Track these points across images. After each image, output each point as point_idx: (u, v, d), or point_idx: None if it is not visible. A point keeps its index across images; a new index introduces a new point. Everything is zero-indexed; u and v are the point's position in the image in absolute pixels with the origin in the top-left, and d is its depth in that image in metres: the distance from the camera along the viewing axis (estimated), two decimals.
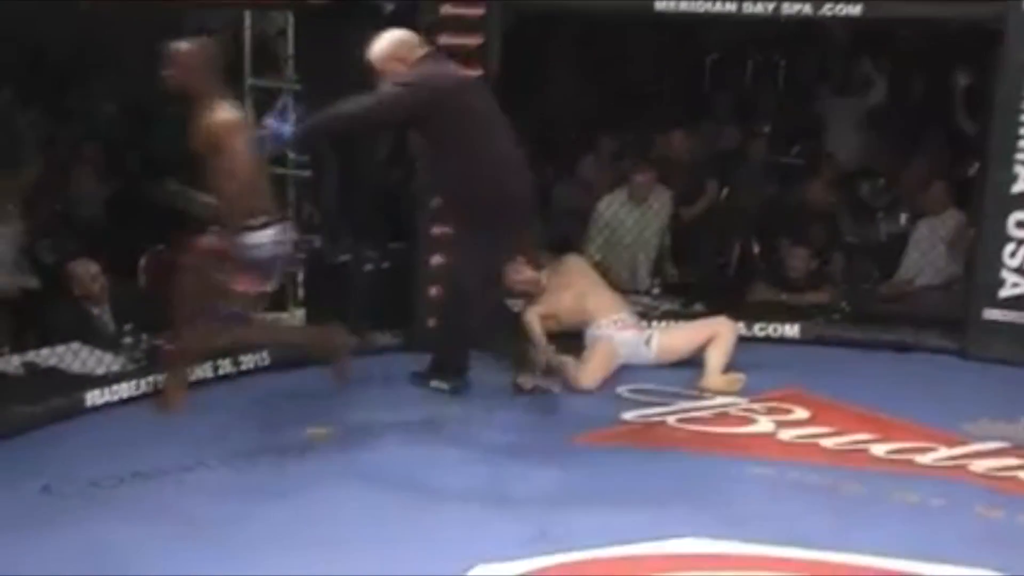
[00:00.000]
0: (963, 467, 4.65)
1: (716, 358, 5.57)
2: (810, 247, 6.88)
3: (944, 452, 4.77)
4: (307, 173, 6.55)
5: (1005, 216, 5.91)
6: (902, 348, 6.17)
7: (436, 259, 5.72)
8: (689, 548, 3.89)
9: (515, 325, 5.76)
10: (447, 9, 5.78)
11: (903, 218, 7.30)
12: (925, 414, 5.13)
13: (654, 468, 4.59)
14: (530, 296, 5.84)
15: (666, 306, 6.49)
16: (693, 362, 5.66)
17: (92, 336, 5.42)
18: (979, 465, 4.66)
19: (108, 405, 4.98)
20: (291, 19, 6.64)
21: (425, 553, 3.80)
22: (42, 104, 7.30)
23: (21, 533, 3.87)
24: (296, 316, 6.33)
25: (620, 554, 3.83)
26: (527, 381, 5.39)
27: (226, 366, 5.39)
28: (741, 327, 5.99)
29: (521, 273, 5.89)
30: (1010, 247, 5.92)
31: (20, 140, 6.77)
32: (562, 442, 4.82)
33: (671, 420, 5.12)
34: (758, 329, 6.24)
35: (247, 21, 6.73)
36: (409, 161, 5.91)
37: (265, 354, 5.50)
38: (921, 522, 4.15)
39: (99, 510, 4.07)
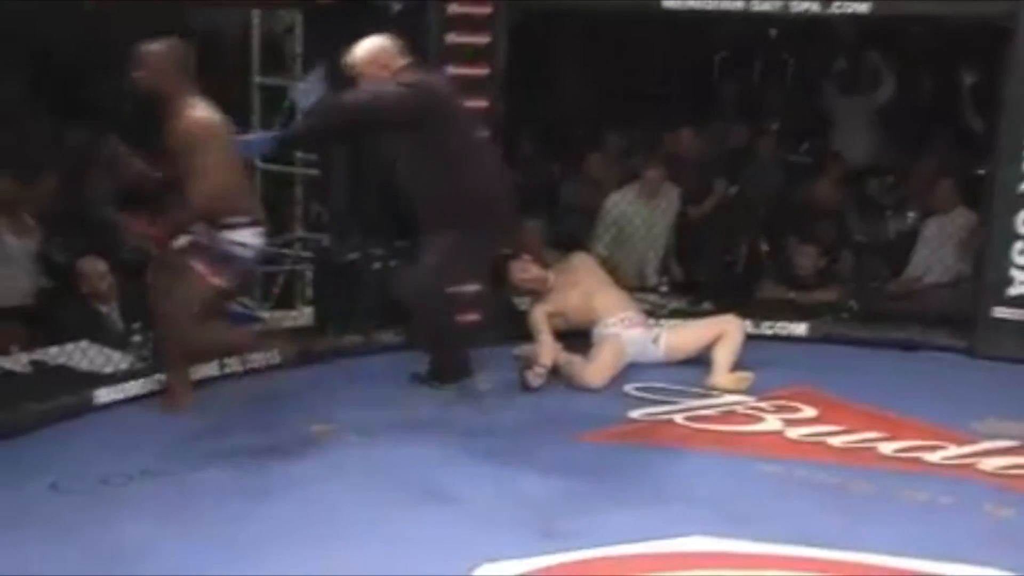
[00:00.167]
0: (972, 465, 4.64)
1: (724, 356, 5.57)
2: (818, 245, 6.88)
3: (953, 450, 4.76)
4: (315, 172, 6.56)
5: (1013, 214, 5.90)
6: (910, 346, 6.16)
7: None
8: (696, 547, 3.88)
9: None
10: (454, 8, 5.79)
11: (911, 216, 7.29)
12: (934, 412, 5.12)
13: (661, 466, 4.59)
14: (537, 294, 5.84)
15: (674, 304, 6.50)
16: (700, 360, 5.66)
17: (100, 334, 5.43)
18: (988, 463, 4.65)
19: (116, 403, 4.99)
20: (299, 18, 6.65)
21: (430, 552, 3.80)
22: (51, 103, 7.30)
23: (29, 531, 3.88)
24: (304, 314, 6.35)
25: (627, 552, 3.82)
26: (534, 378, 5.40)
27: (233, 364, 5.40)
28: (749, 325, 5.99)
29: (528, 271, 5.89)
30: (1019, 245, 5.92)
31: (31, 143, 6.77)
32: (569, 440, 4.82)
33: (678, 418, 5.12)
34: (766, 327, 6.24)
35: (255, 20, 6.74)
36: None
37: (274, 352, 5.51)
38: (930, 521, 4.14)
39: (107, 508, 4.07)
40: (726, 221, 7.31)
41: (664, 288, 6.72)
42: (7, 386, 4.96)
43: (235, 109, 6.52)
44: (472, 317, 5.90)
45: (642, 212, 6.92)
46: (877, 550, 3.84)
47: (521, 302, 6.04)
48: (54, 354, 5.26)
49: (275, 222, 6.82)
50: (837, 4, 5.94)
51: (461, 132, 5.01)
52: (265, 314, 6.43)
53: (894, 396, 5.31)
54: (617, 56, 8.45)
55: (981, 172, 6.67)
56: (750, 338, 5.85)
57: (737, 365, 5.56)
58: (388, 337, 5.89)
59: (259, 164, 6.59)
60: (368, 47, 4.90)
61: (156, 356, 5.22)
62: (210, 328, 4.85)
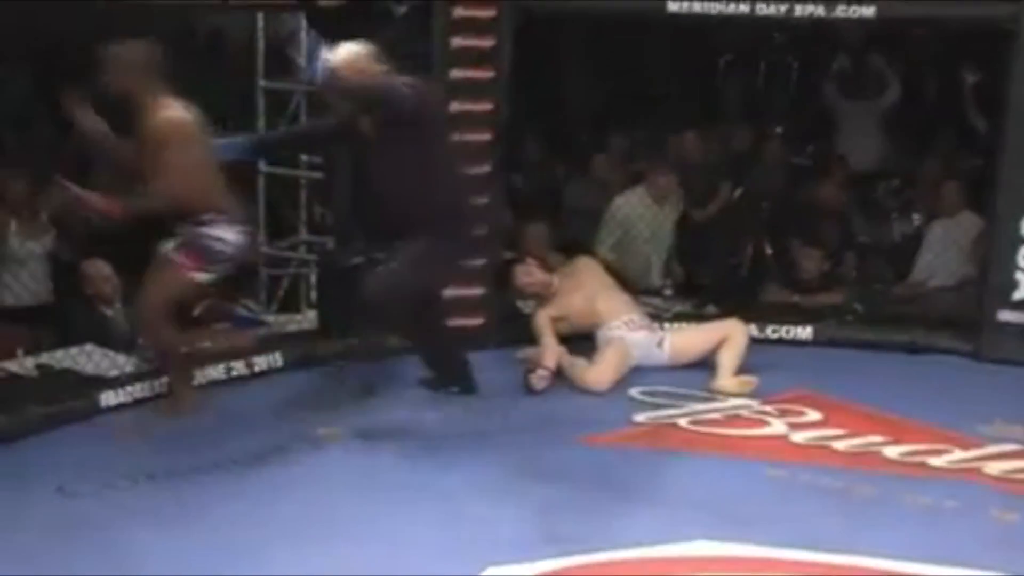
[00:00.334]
0: (977, 469, 4.63)
1: (728, 360, 5.56)
2: (823, 248, 6.87)
3: (958, 454, 4.76)
4: (320, 175, 6.56)
5: (1019, 218, 5.89)
6: (915, 350, 6.15)
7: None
8: (701, 550, 3.88)
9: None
10: (459, 11, 5.79)
11: (916, 219, 7.28)
12: (939, 416, 5.11)
13: (665, 470, 4.59)
14: (541, 298, 5.84)
15: (678, 307, 6.49)
16: (705, 364, 5.65)
17: (105, 337, 5.43)
18: (994, 467, 4.64)
19: (122, 406, 4.99)
20: (303, 21, 6.65)
21: (436, 555, 3.80)
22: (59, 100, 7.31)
23: (36, 534, 3.89)
24: (308, 318, 6.35)
25: (631, 556, 3.83)
26: (538, 381, 5.40)
27: (239, 368, 5.41)
28: (753, 329, 5.99)
29: (532, 276, 5.89)
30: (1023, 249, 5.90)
31: (45, 144, 6.78)
32: (573, 443, 4.82)
33: (683, 422, 5.12)
34: (771, 331, 6.23)
35: (260, 23, 6.75)
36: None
37: (278, 355, 5.52)
38: (935, 525, 4.14)
39: (113, 511, 4.08)
40: (730, 224, 7.30)
41: (668, 291, 6.71)
42: (13, 390, 4.98)
43: (239, 112, 6.59)
44: (469, 321, 5.93)
45: (647, 215, 6.91)
46: (882, 554, 3.84)
47: (525, 305, 6.04)
48: (59, 357, 5.27)
49: (279, 225, 6.85)
50: (842, 8, 5.94)
51: (443, 140, 5.08)
52: (269, 317, 6.43)
53: (899, 399, 5.30)
54: (621, 59, 8.45)
55: (986, 173, 6.66)
56: (754, 341, 5.84)
57: (741, 369, 5.56)
58: (392, 341, 5.88)
59: (263, 167, 6.59)
60: (345, 53, 4.84)
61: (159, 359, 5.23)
62: (181, 331, 4.86)
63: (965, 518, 4.19)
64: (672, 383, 5.50)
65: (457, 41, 5.81)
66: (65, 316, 5.65)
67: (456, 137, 5.84)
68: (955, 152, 7.55)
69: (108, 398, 4.98)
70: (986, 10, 5.96)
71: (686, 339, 5.82)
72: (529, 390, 5.38)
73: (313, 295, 6.51)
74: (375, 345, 5.68)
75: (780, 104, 8.62)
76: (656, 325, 5.96)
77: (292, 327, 6.20)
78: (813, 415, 5.17)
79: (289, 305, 6.68)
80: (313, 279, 6.55)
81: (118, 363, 5.23)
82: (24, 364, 5.21)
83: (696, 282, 6.95)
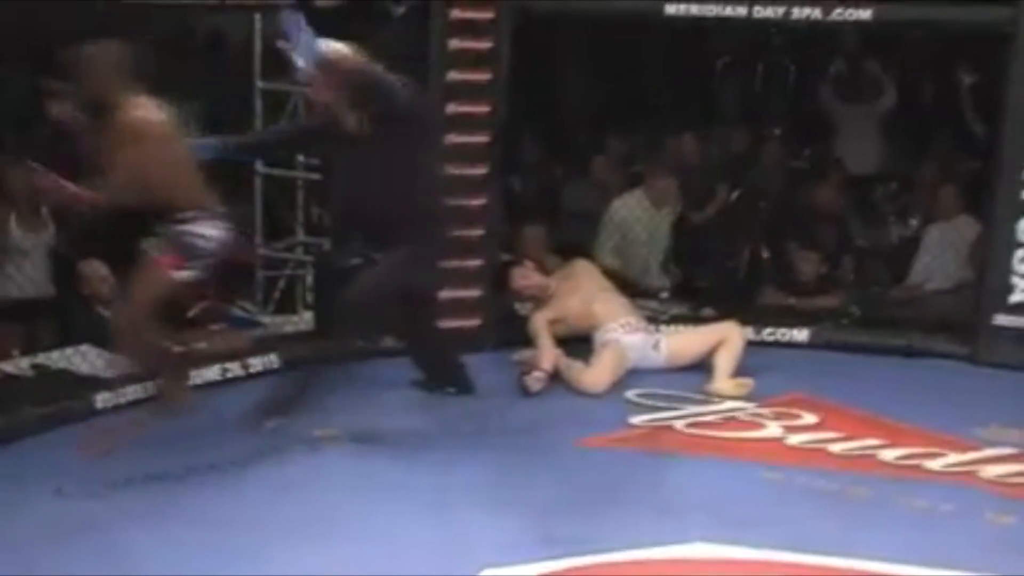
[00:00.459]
0: (973, 473, 4.63)
1: (725, 362, 5.57)
2: (820, 251, 6.87)
3: (954, 458, 4.76)
4: (317, 176, 6.56)
5: (1015, 221, 5.90)
6: (911, 353, 6.16)
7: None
8: (697, 553, 3.88)
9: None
10: (457, 13, 5.79)
11: (914, 223, 7.29)
12: (934, 419, 5.12)
13: (662, 472, 4.59)
14: (538, 301, 5.84)
15: (675, 310, 6.49)
16: (701, 366, 5.65)
17: (102, 338, 5.42)
18: (989, 471, 4.64)
19: (117, 407, 4.99)
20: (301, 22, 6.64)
21: (432, 557, 3.80)
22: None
23: (34, 536, 3.89)
24: (305, 319, 6.34)
25: (627, 558, 3.83)
26: (534, 383, 5.40)
27: (235, 369, 5.41)
28: (750, 331, 5.99)
29: (529, 279, 5.90)
30: (1020, 253, 5.91)
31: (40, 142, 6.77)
32: (570, 445, 4.82)
33: (679, 424, 5.12)
34: (767, 333, 6.24)
35: (257, 24, 6.74)
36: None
37: (274, 357, 5.51)
38: (930, 528, 4.14)
39: (111, 512, 4.08)
40: (727, 227, 7.31)
41: (665, 294, 6.72)
42: (8, 390, 4.97)
43: (238, 113, 6.58)
44: (466, 322, 5.93)
45: (644, 218, 6.91)
46: (877, 557, 3.84)
47: (522, 307, 6.04)
48: (55, 358, 5.26)
49: (276, 226, 6.84)
50: (839, 10, 5.94)
51: (432, 142, 5.10)
52: (266, 319, 6.43)
53: (895, 403, 5.31)
54: (619, 61, 8.45)
55: (983, 177, 6.67)
56: (751, 344, 5.85)
57: (738, 371, 5.56)
58: (389, 342, 5.88)
59: (260, 168, 6.59)
60: (339, 45, 4.76)
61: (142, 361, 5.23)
62: (177, 331, 4.85)
63: (960, 521, 4.20)
64: (668, 385, 5.51)
65: (455, 42, 5.81)
66: (63, 313, 5.64)
67: (454, 139, 5.87)
68: (952, 155, 7.55)
69: (104, 399, 4.97)
70: (983, 13, 5.97)
71: (683, 341, 5.83)
72: (525, 392, 5.38)
73: (309, 296, 6.50)
74: (373, 346, 5.69)
75: (777, 107, 8.61)
76: (653, 327, 5.96)
77: (288, 328, 6.20)
78: (809, 418, 5.18)
79: (285, 306, 6.68)
80: (310, 280, 6.55)
81: (114, 364, 5.22)
82: (19, 364, 5.21)
83: (693, 284, 6.96)
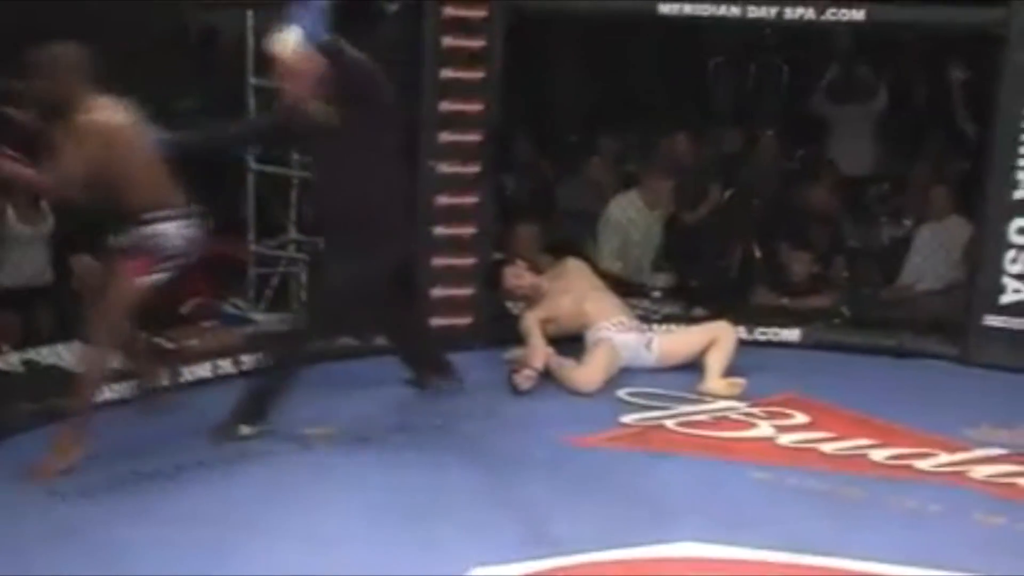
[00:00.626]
0: (963, 473, 4.64)
1: (716, 362, 5.57)
2: (812, 251, 6.88)
3: (944, 458, 4.77)
4: (310, 174, 6.54)
5: (1007, 222, 5.91)
6: (902, 353, 6.17)
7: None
8: (687, 552, 3.88)
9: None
10: (450, 11, 5.78)
11: (908, 223, 7.30)
12: (925, 420, 5.12)
13: (653, 472, 4.59)
14: (530, 300, 5.84)
15: (667, 309, 6.50)
16: (693, 366, 5.66)
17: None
18: (979, 471, 4.65)
19: (108, 404, 4.97)
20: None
21: (422, 555, 3.80)
22: None
23: (26, 534, 3.88)
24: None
25: (618, 558, 3.83)
26: (524, 381, 5.40)
27: (226, 366, 5.40)
28: (742, 331, 6.00)
29: (522, 278, 5.90)
30: (1011, 253, 5.92)
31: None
32: (560, 444, 4.82)
33: (670, 424, 5.12)
34: (759, 333, 6.25)
35: (250, 21, 6.73)
36: (410, 161, 5.92)
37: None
38: (920, 528, 4.15)
39: (101, 510, 4.07)
40: (720, 226, 7.32)
41: (657, 293, 6.72)
42: None
43: (230, 109, 6.57)
44: (457, 320, 5.93)
45: (638, 219, 6.92)
46: (868, 557, 3.84)
47: (514, 306, 6.04)
48: (45, 354, 5.25)
49: (269, 224, 6.83)
50: (832, 11, 5.96)
51: (400, 136, 5.00)
52: (258, 316, 6.42)
53: (886, 403, 5.32)
54: (612, 61, 8.46)
55: (974, 177, 6.68)
56: (743, 344, 5.85)
57: (729, 371, 5.56)
58: (381, 341, 5.88)
59: (253, 165, 6.57)
60: (295, 40, 4.64)
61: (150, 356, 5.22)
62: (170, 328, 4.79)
63: (950, 522, 4.20)
64: (660, 385, 5.51)
65: (448, 40, 5.81)
66: (60, 303, 5.64)
67: (447, 137, 5.87)
68: (944, 155, 7.57)
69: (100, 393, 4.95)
70: (975, 15, 5.98)
71: (674, 341, 5.83)
72: (515, 390, 5.38)
73: (303, 294, 6.49)
74: (364, 344, 5.69)
75: (770, 107, 8.63)
76: (645, 327, 5.96)
77: (281, 326, 6.18)
78: (800, 418, 5.18)
79: (278, 304, 6.66)
80: (303, 278, 6.54)
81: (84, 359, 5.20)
82: (9, 360, 5.20)
83: (685, 284, 6.96)
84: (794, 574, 3.79)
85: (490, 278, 6.01)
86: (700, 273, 7.06)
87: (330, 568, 3.69)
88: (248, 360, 5.44)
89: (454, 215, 5.94)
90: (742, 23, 6.13)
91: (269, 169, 6.65)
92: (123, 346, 4.77)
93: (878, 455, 4.79)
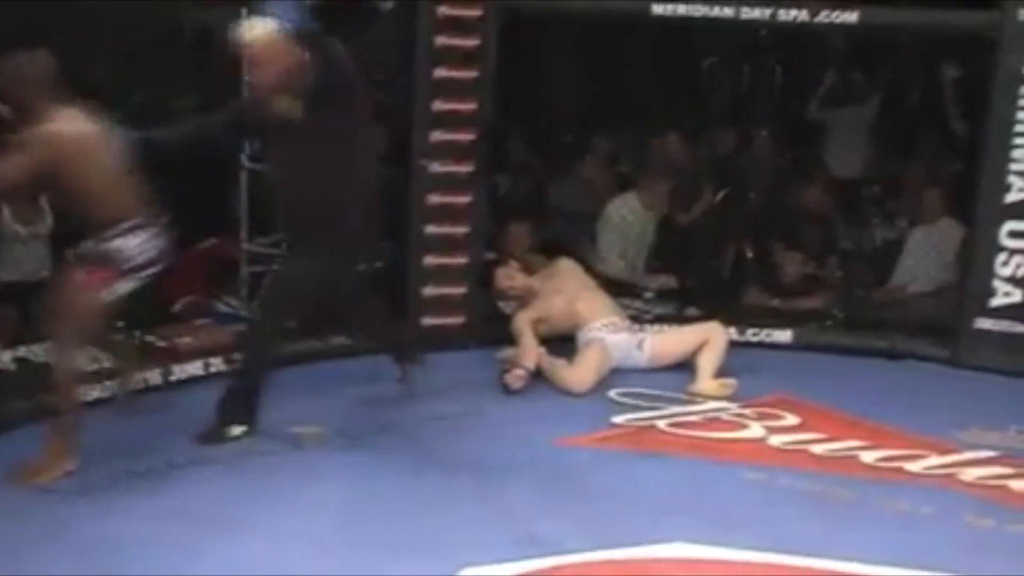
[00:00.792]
0: (953, 475, 4.65)
1: (708, 363, 5.58)
2: (804, 252, 6.89)
3: (934, 460, 4.78)
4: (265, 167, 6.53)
5: (998, 225, 5.92)
6: (894, 355, 6.18)
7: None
8: (678, 553, 3.89)
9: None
10: (444, 10, 5.78)
11: (902, 224, 7.32)
12: (916, 422, 5.14)
13: (644, 472, 4.59)
14: (522, 300, 5.85)
15: (659, 310, 6.50)
16: (684, 366, 5.67)
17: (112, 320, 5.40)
18: (969, 473, 4.66)
19: (100, 401, 4.97)
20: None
21: (413, 555, 3.80)
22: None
23: (18, 531, 3.88)
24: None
25: (608, 558, 3.83)
26: (515, 380, 5.40)
27: (218, 364, 5.39)
28: (733, 332, 6.01)
29: (514, 279, 5.90)
30: (1002, 256, 5.94)
31: None
32: (551, 444, 4.82)
33: (662, 424, 5.12)
34: (751, 334, 6.25)
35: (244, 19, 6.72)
36: (404, 160, 5.92)
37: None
38: (910, 530, 4.16)
39: (94, 508, 4.07)
40: (713, 227, 7.32)
41: (649, 294, 6.73)
42: None
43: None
44: (449, 320, 5.94)
45: (635, 220, 6.94)
46: (858, 559, 3.86)
47: (506, 306, 6.04)
48: (36, 351, 5.23)
49: (261, 222, 6.82)
50: (825, 13, 5.97)
51: (368, 132, 4.88)
52: (251, 314, 6.41)
53: (877, 405, 5.33)
54: (606, 61, 8.47)
55: (966, 179, 6.70)
56: (734, 345, 5.87)
57: (721, 372, 5.57)
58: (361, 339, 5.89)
59: (246, 164, 6.56)
60: (267, 28, 4.55)
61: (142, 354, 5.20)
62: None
63: (940, 523, 4.22)
64: (651, 385, 5.51)
65: (442, 40, 5.81)
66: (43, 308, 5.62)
67: (440, 136, 5.87)
68: (937, 156, 7.58)
69: (87, 393, 4.95)
70: (968, 17, 6.00)
71: (666, 341, 5.84)
72: (506, 390, 5.38)
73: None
74: (355, 343, 5.68)
75: (764, 108, 8.64)
76: (637, 327, 5.97)
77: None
78: (791, 419, 5.19)
79: None
80: None
81: (96, 358, 5.20)
82: (1, 358, 5.19)
83: (682, 285, 6.97)
84: (784, 574, 3.80)
85: (482, 277, 6.01)
86: (692, 273, 7.07)
87: (320, 568, 3.70)
88: (237, 359, 5.43)
89: (447, 214, 5.94)
90: (735, 24, 6.14)
91: (262, 167, 6.64)
92: (98, 347, 4.73)
93: (869, 456, 4.80)
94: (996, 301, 5.98)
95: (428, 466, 4.54)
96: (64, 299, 4.40)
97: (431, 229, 5.92)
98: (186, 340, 5.57)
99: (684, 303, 6.59)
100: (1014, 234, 5.90)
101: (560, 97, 8.78)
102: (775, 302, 6.73)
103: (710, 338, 5.69)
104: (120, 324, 5.34)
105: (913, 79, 8.42)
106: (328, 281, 4.77)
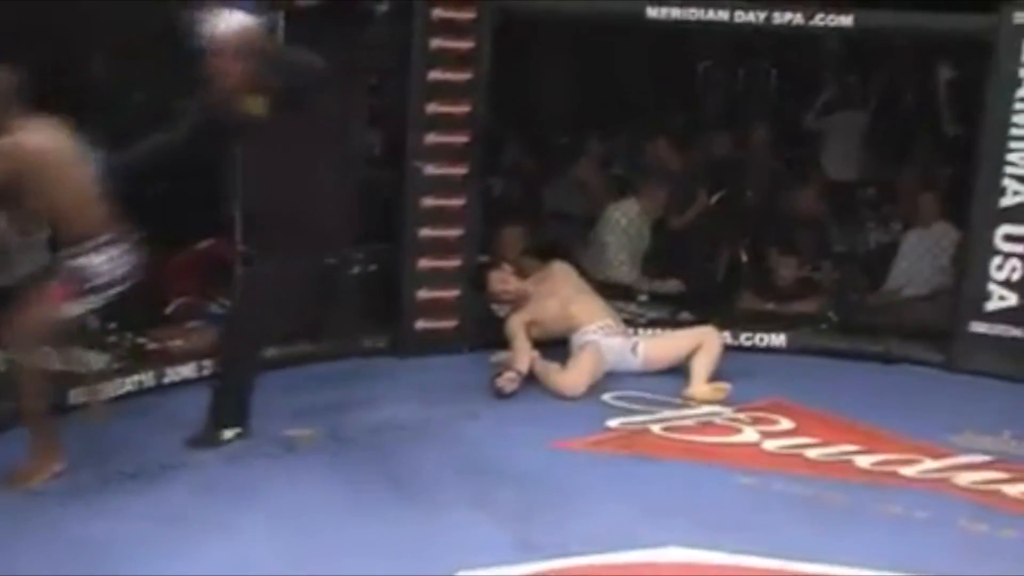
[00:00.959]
0: (947, 480, 4.65)
1: (702, 367, 5.57)
2: (799, 256, 6.88)
3: (929, 464, 4.77)
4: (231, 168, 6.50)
5: (993, 229, 5.92)
6: (888, 359, 6.18)
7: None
8: (671, 557, 3.88)
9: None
10: (439, 12, 5.77)
11: (897, 227, 7.32)
12: (910, 426, 5.13)
13: (638, 476, 4.58)
14: (516, 303, 5.83)
15: (653, 314, 6.49)
16: (678, 370, 5.66)
17: (76, 334, 5.38)
18: (963, 478, 4.66)
19: (76, 407, 4.94)
20: (281, 20, 6.61)
21: (407, 558, 3.79)
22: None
23: (9, 532, 3.86)
24: None
25: (602, 562, 3.82)
26: (507, 383, 5.38)
27: (211, 366, 5.37)
28: (728, 336, 6.00)
29: (507, 283, 5.89)
30: (997, 260, 5.93)
31: None
32: (545, 448, 4.81)
33: (656, 428, 5.11)
34: (745, 338, 6.25)
35: None
36: (397, 162, 5.91)
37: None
38: (904, 534, 4.15)
39: (86, 509, 4.06)
40: (707, 230, 7.32)
41: (643, 297, 6.72)
42: None
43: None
44: (442, 323, 5.93)
45: (631, 224, 6.94)
46: (852, 563, 3.85)
47: (499, 309, 6.02)
48: None
49: None
50: (820, 16, 5.97)
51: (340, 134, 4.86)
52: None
53: (871, 409, 5.32)
54: (600, 64, 8.47)
55: (961, 182, 6.69)
56: (728, 349, 5.85)
57: (715, 376, 5.56)
58: (368, 341, 5.87)
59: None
60: (241, 23, 4.43)
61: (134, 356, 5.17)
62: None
63: (934, 528, 4.21)
64: (645, 389, 5.51)
65: (436, 42, 5.80)
66: None
67: (434, 138, 5.86)
68: (932, 159, 7.58)
69: (78, 395, 4.93)
70: (964, 21, 6.00)
71: (660, 345, 5.83)
72: (498, 393, 5.37)
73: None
74: (350, 345, 5.67)
75: (759, 111, 8.64)
76: (630, 330, 5.96)
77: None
78: (786, 423, 5.18)
79: None
80: None
81: (86, 360, 5.18)
82: None
83: (672, 289, 6.96)
84: None
85: (476, 280, 6.00)
86: (687, 277, 7.07)
87: (312, 570, 3.68)
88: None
89: (440, 217, 5.93)
90: (730, 28, 6.14)
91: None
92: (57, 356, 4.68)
93: (863, 461, 4.79)
94: (991, 305, 5.97)
95: (420, 469, 4.53)
96: (23, 308, 4.33)
97: (425, 232, 5.91)
98: (178, 343, 5.55)
99: (678, 307, 6.58)
100: (1009, 238, 5.90)
101: (554, 100, 8.78)
102: (769, 306, 6.72)
103: (704, 342, 5.68)
104: (112, 325, 5.36)
105: (908, 82, 8.42)
106: (302, 283, 4.71)
